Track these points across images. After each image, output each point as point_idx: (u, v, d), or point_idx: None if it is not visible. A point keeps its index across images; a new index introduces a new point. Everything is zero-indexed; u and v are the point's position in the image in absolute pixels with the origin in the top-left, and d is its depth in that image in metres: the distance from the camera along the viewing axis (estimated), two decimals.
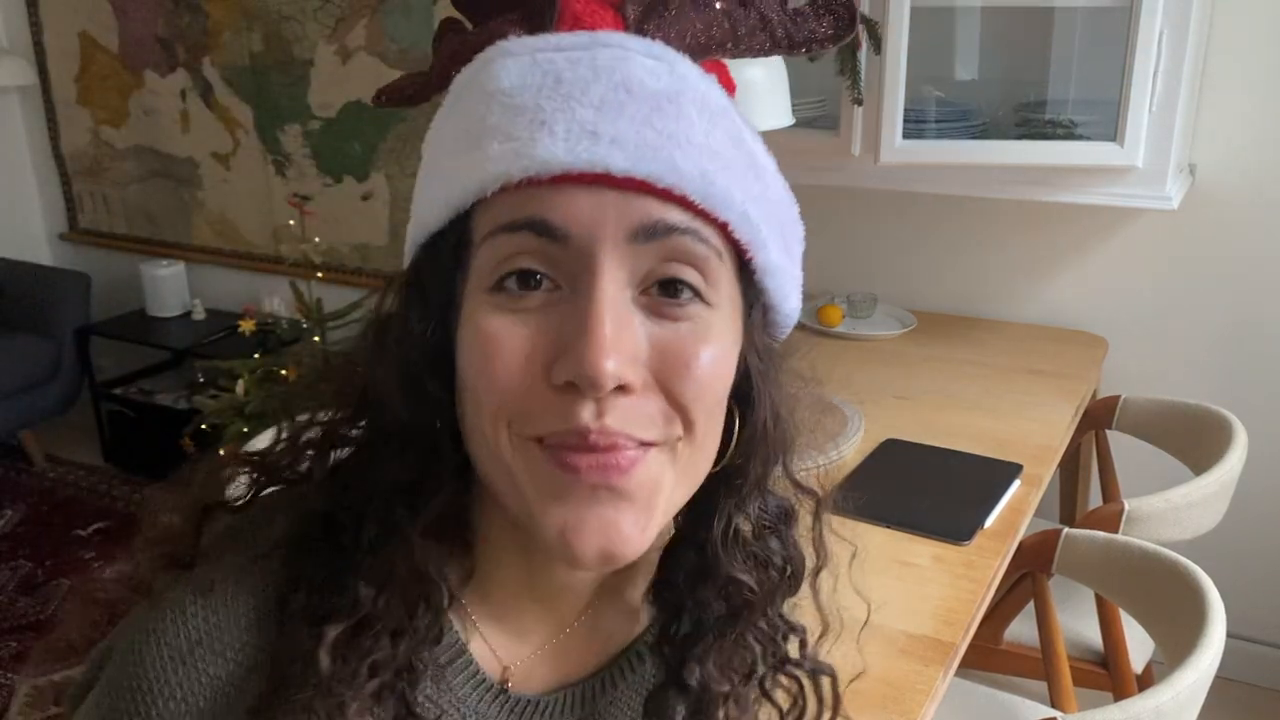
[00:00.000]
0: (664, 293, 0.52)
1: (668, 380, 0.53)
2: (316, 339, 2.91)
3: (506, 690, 0.64)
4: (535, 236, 0.51)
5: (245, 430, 2.70)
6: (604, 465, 0.52)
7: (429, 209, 0.55)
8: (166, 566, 0.59)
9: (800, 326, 0.63)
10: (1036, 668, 1.64)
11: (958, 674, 1.40)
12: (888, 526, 1.48)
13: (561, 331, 0.51)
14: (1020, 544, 1.54)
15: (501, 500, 0.56)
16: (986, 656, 1.74)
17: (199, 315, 3.56)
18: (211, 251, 3.63)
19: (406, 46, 3.01)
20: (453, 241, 0.54)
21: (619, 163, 0.50)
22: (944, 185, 2.20)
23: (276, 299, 3.35)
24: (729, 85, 0.59)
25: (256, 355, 2.98)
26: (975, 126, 2.14)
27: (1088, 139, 2.03)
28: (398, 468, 0.56)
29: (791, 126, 1.78)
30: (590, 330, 0.49)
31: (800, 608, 0.68)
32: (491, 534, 0.61)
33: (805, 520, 0.66)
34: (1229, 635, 1.25)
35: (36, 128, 3.86)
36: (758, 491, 0.62)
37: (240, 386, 2.84)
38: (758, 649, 0.66)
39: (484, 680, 0.63)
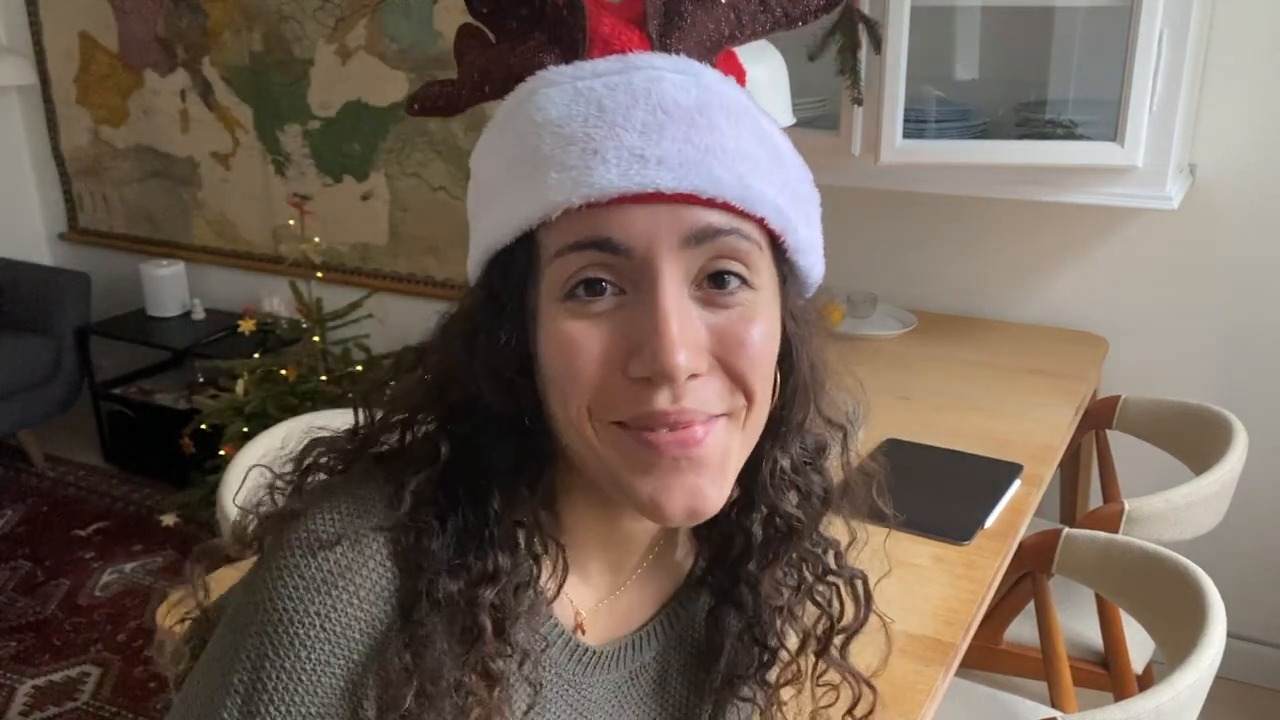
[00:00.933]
0: (714, 284, 0.59)
1: (727, 359, 0.60)
2: (316, 339, 2.91)
3: (575, 638, 0.71)
4: (599, 252, 0.58)
5: (245, 430, 2.69)
6: (682, 440, 0.59)
7: (494, 230, 0.61)
8: (270, 519, 0.66)
9: None
10: (1037, 668, 1.64)
11: (958, 674, 1.40)
12: (888, 526, 1.48)
13: (632, 331, 0.58)
14: (1020, 544, 1.54)
15: (589, 472, 0.63)
16: (987, 656, 1.74)
17: (199, 315, 3.56)
18: (211, 251, 3.63)
19: (406, 46, 3.00)
20: (523, 259, 0.60)
21: (667, 181, 0.56)
22: (944, 185, 2.20)
23: (276, 299, 3.34)
24: (739, 72, 0.65)
25: (256, 355, 2.98)
26: (975, 126, 2.14)
27: (1088, 139, 2.03)
28: (505, 450, 0.64)
29: (792, 126, 1.78)
30: (661, 331, 0.57)
31: (831, 523, 0.78)
32: (573, 491, 0.68)
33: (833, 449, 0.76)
34: (1229, 635, 1.25)
35: (36, 127, 3.86)
36: (798, 433, 0.71)
37: (240, 386, 2.84)
38: (804, 565, 0.77)
39: (557, 625, 0.70)
